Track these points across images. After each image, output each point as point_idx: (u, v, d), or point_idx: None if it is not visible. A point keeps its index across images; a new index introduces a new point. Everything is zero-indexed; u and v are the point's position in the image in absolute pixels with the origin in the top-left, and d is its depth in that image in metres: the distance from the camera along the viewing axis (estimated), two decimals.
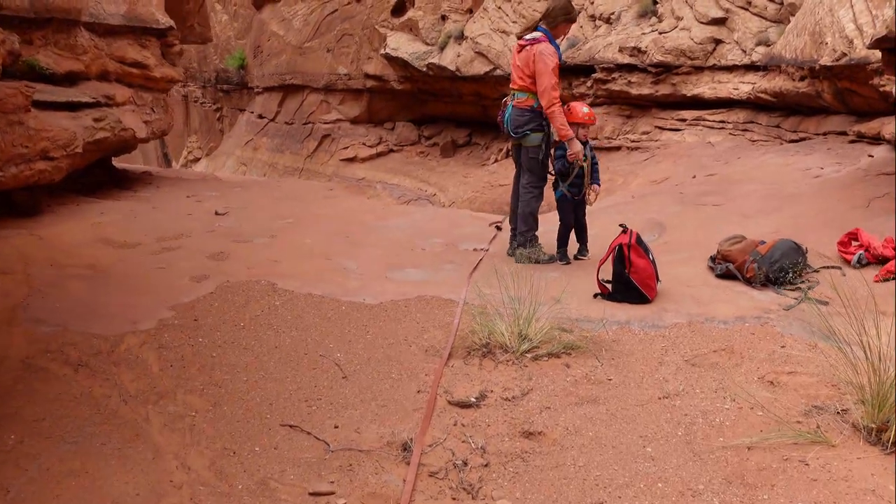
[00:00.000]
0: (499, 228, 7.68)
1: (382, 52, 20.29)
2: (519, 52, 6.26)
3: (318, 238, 7.12)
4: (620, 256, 5.04)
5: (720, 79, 13.74)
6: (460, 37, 18.43)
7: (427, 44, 19.75)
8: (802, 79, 11.31)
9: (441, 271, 6.12)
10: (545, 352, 4.15)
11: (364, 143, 22.72)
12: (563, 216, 6.41)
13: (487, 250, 6.82)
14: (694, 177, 10.34)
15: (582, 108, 6.23)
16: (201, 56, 30.18)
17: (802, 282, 5.22)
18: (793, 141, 11.48)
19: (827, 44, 9.85)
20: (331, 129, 23.42)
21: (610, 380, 3.91)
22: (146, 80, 9.98)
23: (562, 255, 6.38)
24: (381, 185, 21.30)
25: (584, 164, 6.22)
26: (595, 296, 5.19)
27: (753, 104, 13.08)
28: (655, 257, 5.20)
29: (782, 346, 4.18)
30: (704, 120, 13.83)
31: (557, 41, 6.25)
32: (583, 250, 6.52)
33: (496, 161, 18.91)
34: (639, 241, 5.09)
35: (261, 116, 26.11)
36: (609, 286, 5.18)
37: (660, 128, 14.56)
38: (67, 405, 3.63)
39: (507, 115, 6.38)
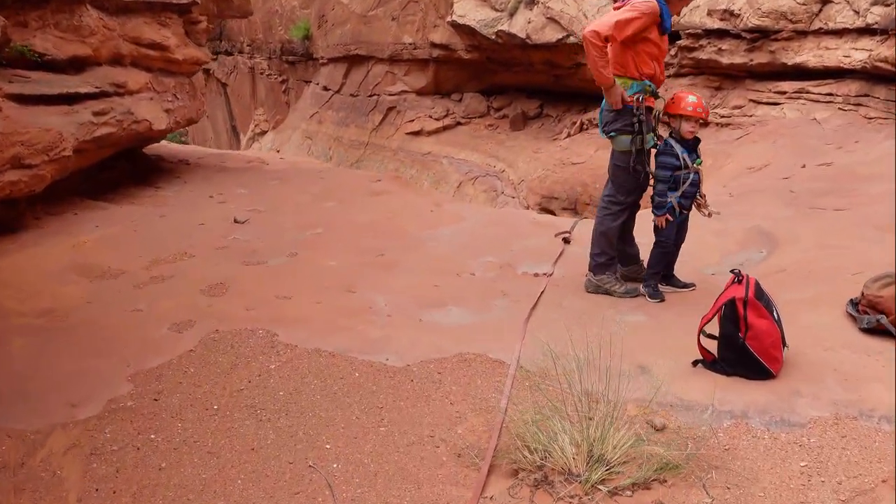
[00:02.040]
0: (566, 241, 6.31)
1: (449, 19, 18.95)
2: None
3: (346, 258, 5.89)
4: (733, 315, 3.61)
5: (827, 45, 11.84)
6: (531, 1, 16.95)
7: (496, 10, 18.29)
8: None
9: (491, 310, 4.81)
10: (628, 481, 2.82)
11: (430, 116, 21.54)
12: (663, 235, 4.96)
13: (551, 274, 5.48)
14: (804, 166, 8.70)
15: (688, 97, 4.73)
16: (266, 27, 29.41)
17: None
18: None
19: None
20: (396, 101, 22.30)
21: None
22: (167, 62, 8.81)
23: (652, 289, 4.94)
24: (447, 160, 20.19)
25: (700, 169, 4.82)
26: (695, 363, 3.81)
27: (868, 74, 11.16)
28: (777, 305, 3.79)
29: None
30: (808, 92, 11.97)
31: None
32: (673, 280, 5.13)
33: (568, 136, 17.43)
34: (758, 293, 3.62)
35: (326, 88, 25.15)
36: (711, 344, 3.79)
37: (755, 101, 12.77)
38: None
39: (601, 111, 4.96)
